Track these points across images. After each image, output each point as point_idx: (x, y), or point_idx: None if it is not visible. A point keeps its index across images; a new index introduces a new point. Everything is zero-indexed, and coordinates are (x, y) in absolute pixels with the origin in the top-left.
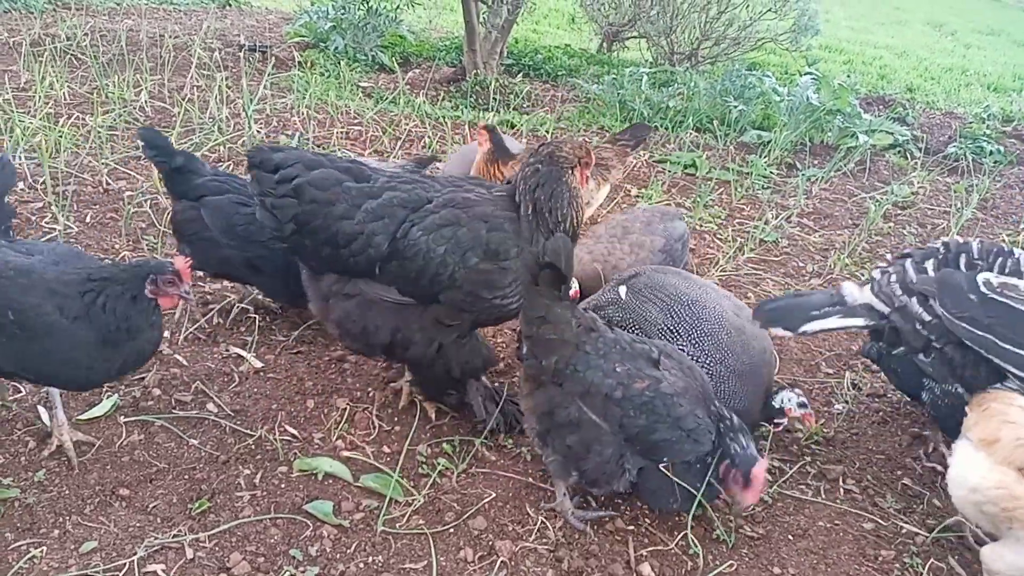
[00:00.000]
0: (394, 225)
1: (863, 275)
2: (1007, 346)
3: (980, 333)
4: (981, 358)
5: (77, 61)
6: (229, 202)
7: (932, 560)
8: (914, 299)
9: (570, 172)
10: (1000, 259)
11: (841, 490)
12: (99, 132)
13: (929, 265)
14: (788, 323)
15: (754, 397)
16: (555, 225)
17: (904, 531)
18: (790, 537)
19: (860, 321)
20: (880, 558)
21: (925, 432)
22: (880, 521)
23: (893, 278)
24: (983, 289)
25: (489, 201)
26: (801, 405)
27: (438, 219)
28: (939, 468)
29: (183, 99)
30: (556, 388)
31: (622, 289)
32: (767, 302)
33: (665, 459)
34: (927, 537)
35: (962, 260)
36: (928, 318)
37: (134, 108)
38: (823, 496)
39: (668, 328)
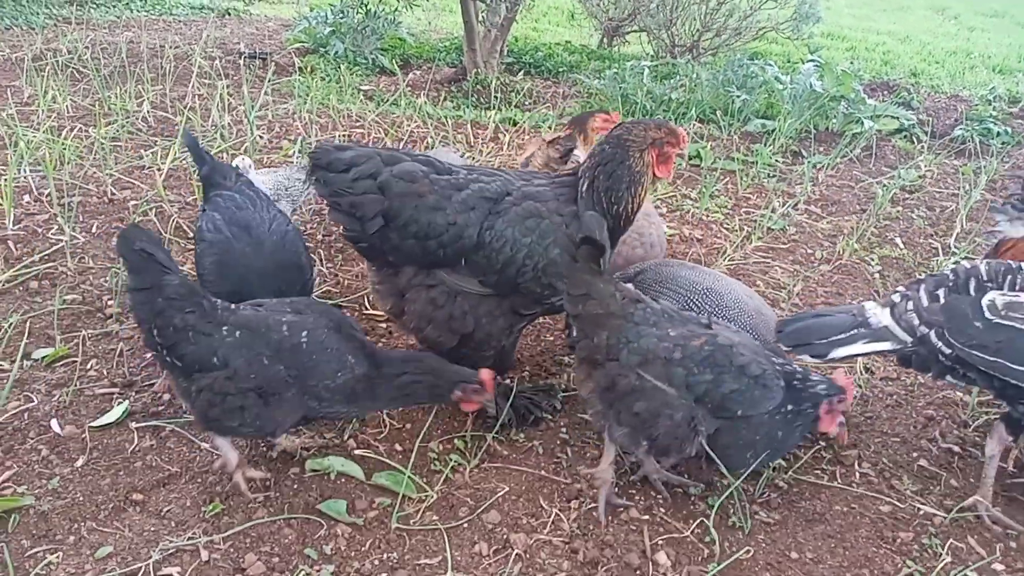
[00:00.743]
0: (482, 216)
1: (872, 261)
2: (1018, 367)
3: (991, 359)
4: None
5: (79, 74)
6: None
7: (951, 540)
8: (932, 331)
9: (638, 155)
10: (1009, 276)
11: (857, 474)
12: (102, 143)
13: (941, 293)
14: (815, 350)
15: None
16: (609, 206)
17: (922, 512)
18: (806, 522)
19: (887, 346)
20: (898, 540)
21: (939, 414)
22: (897, 503)
23: (910, 305)
24: (988, 315)
25: (556, 193)
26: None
27: (521, 211)
28: (955, 449)
29: (185, 108)
30: (613, 363)
31: (629, 288)
32: (788, 321)
33: (739, 412)
34: (945, 518)
35: (972, 285)
36: (948, 350)
37: (136, 119)
38: (839, 480)
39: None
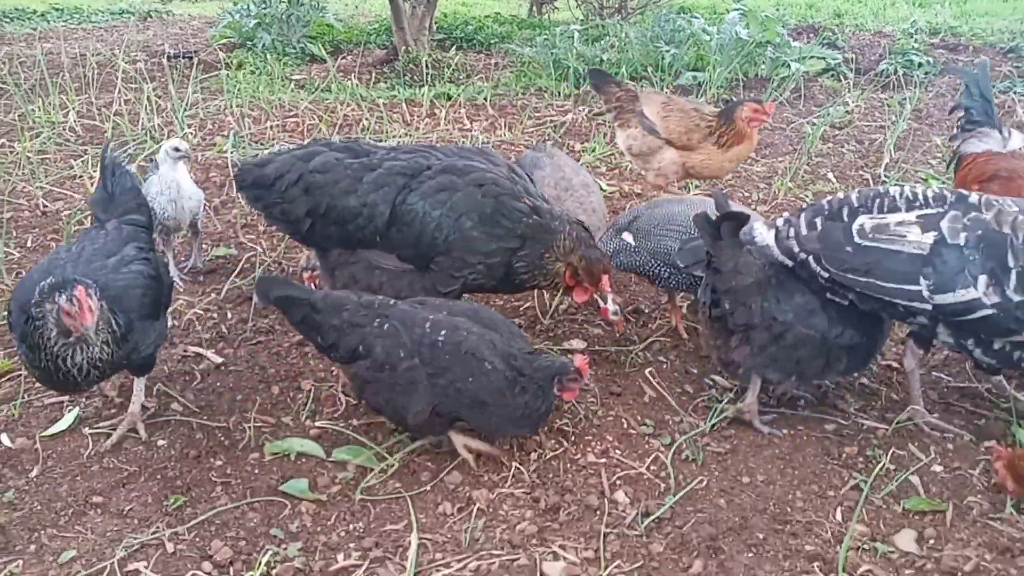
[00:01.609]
0: (395, 192)
1: (807, 198)
2: (888, 284)
3: (863, 279)
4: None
5: None
6: None
7: (893, 449)
8: (810, 257)
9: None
10: (878, 200)
11: (801, 399)
12: (29, 157)
13: (819, 221)
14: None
15: None
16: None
17: (865, 427)
18: (756, 447)
19: None
20: (844, 455)
21: None
22: (841, 421)
23: (791, 232)
24: (856, 239)
25: (488, 170)
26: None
27: (435, 184)
28: (894, 365)
29: (112, 114)
30: (776, 323)
31: (627, 236)
32: (686, 241)
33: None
34: (887, 429)
35: (845, 212)
36: (825, 274)
37: (63, 129)
38: (785, 406)
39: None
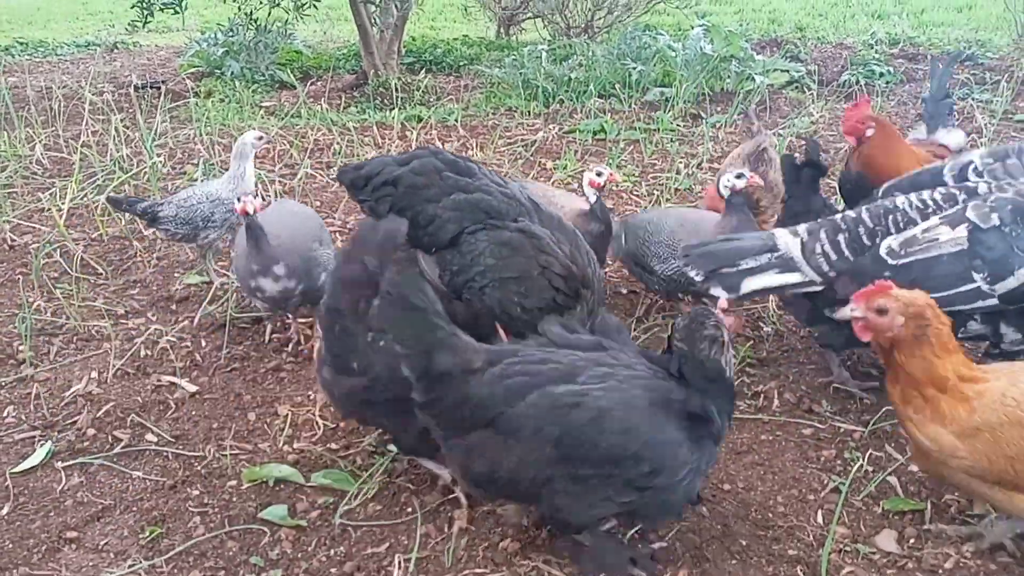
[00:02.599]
0: (468, 222)
1: None
2: (942, 293)
3: None
4: None
5: None
6: None
7: (871, 451)
8: (845, 277)
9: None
10: (891, 216)
11: (778, 403)
12: None
13: (841, 240)
14: (726, 281)
15: None
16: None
17: (842, 431)
18: (736, 454)
19: (796, 278)
20: (822, 458)
21: None
22: (818, 425)
23: (819, 248)
24: (891, 260)
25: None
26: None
27: (506, 238)
28: (873, 372)
29: (80, 146)
30: None
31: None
32: (695, 246)
33: None
34: (864, 431)
35: (862, 231)
36: None
37: (30, 162)
38: (763, 412)
39: (662, 257)
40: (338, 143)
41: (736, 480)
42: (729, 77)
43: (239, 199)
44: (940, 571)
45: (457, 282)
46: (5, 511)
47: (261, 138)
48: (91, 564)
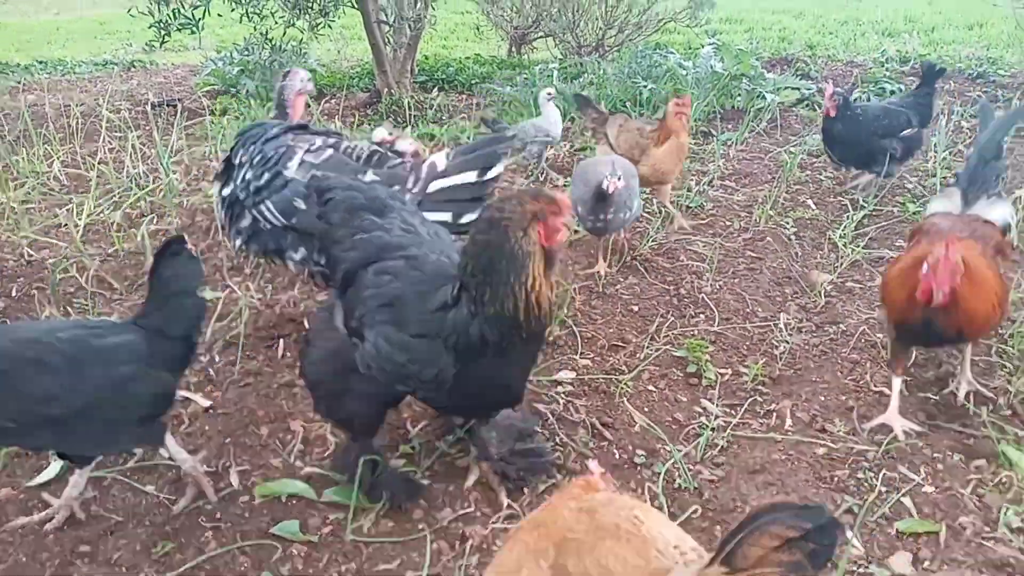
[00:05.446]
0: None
1: (788, 224)
2: None
3: None
4: None
5: None
6: None
7: (884, 471)
8: None
9: (521, 234)
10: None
11: (791, 422)
12: (13, 207)
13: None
14: None
15: None
16: (501, 307)
17: (855, 450)
18: (748, 474)
19: None
20: (835, 478)
21: (863, 357)
22: (831, 445)
23: None
24: None
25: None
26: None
27: (389, 265)
28: (885, 391)
29: (97, 163)
30: None
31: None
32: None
33: None
34: (877, 451)
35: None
36: None
37: (47, 179)
38: (775, 431)
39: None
40: None
41: (749, 499)
42: (740, 95)
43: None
44: None
45: (351, 323)
46: (20, 524)
47: (551, 93)
48: None
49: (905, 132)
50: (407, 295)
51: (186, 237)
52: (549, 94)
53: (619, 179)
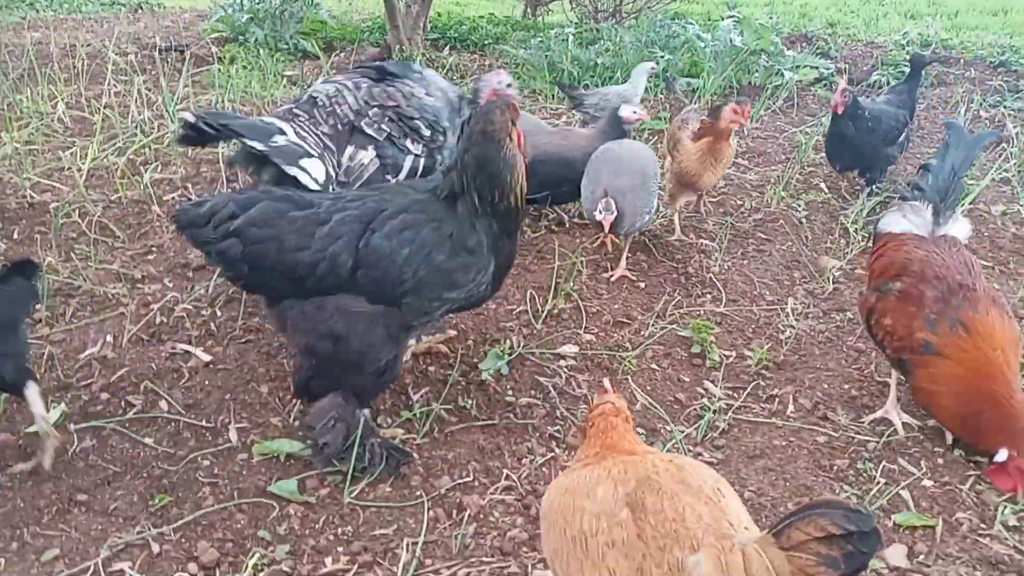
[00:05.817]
0: (355, 238)
1: (799, 207)
2: None
3: None
4: None
5: None
6: None
7: (884, 463)
8: None
9: (508, 141)
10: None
11: (793, 408)
12: (16, 148)
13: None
14: None
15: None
16: (500, 199)
17: (856, 440)
18: (748, 458)
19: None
20: (835, 467)
21: (868, 346)
22: (832, 433)
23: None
24: None
25: (426, 201)
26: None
27: (398, 224)
28: (889, 382)
29: (102, 106)
30: None
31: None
32: None
33: None
34: (878, 442)
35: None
36: None
37: (52, 120)
38: (777, 417)
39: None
40: None
41: (747, 484)
42: (758, 71)
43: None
44: None
45: (388, 291)
46: (18, 471)
47: (653, 68)
48: (100, 528)
49: (902, 137)
50: (434, 238)
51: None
52: (652, 68)
53: (613, 213)
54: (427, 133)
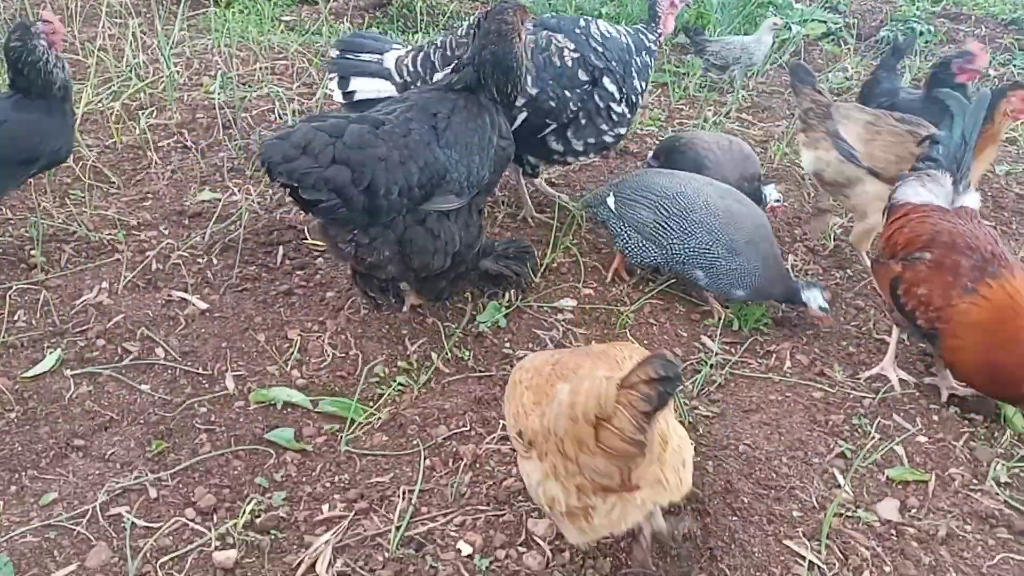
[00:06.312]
0: (435, 142)
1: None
2: None
3: None
4: None
5: None
6: None
7: (879, 419)
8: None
9: (519, 40)
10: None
11: (790, 364)
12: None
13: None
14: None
15: (765, 269)
16: (512, 93)
17: (852, 396)
18: (743, 412)
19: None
20: (830, 422)
21: (867, 303)
22: (828, 389)
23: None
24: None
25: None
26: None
27: (461, 118)
28: (887, 340)
29: (97, 49)
30: None
31: (610, 199)
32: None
33: None
34: (874, 399)
35: (436, 54)
36: None
37: None
38: (774, 372)
39: (659, 223)
40: None
41: (742, 438)
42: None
43: None
44: (935, 541)
45: (474, 179)
46: (15, 414)
47: (776, 24)
48: (97, 472)
49: None
50: (488, 125)
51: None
52: (776, 23)
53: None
54: (533, 91)
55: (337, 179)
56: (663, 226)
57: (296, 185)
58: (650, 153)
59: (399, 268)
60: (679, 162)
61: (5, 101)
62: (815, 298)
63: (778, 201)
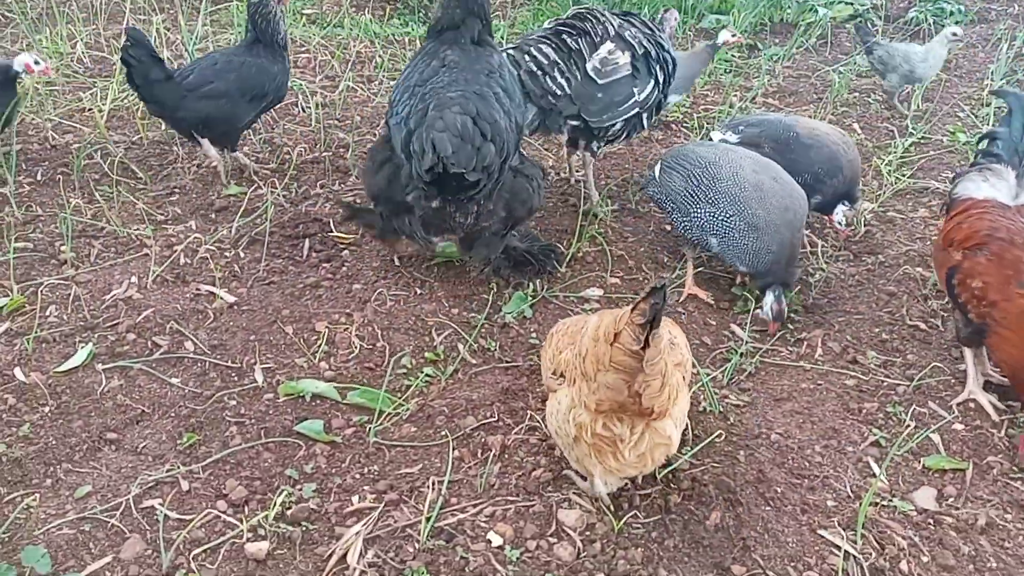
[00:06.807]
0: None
1: None
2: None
3: None
4: None
5: (4, 19)
6: None
7: (914, 407)
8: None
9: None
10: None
11: (822, 352)
12: (37, 88)
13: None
14: None
15: (779, 255)
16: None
17: (886, 384)
18: (775, 401)
19: None
20: (864, 411)
21: (900, 290)
22: (862, 376)
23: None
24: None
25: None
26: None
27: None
28: (921, 326)
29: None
30: None
31: (656, 168)
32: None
33: None
34: (908, 386)
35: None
36: None
37: (71, 60)
38: (805, 360)
39: (689, 193)
40: (380, 56)
41: (774, 427)
42: (790, 7)
43: None
44: (975, 530)
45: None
46: (48, 408)
47: (956, 34)
48: (130, 465)
49: None
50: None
51: None
52: (954, 34)
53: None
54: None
55: (488, 155)
56: (692, 195)
57: (463, 171)
58: (725, 135)
59: (501, 222)
60: (802, 158)
61: (244, 48)
62: (766, 301)
63: (841, 224)
